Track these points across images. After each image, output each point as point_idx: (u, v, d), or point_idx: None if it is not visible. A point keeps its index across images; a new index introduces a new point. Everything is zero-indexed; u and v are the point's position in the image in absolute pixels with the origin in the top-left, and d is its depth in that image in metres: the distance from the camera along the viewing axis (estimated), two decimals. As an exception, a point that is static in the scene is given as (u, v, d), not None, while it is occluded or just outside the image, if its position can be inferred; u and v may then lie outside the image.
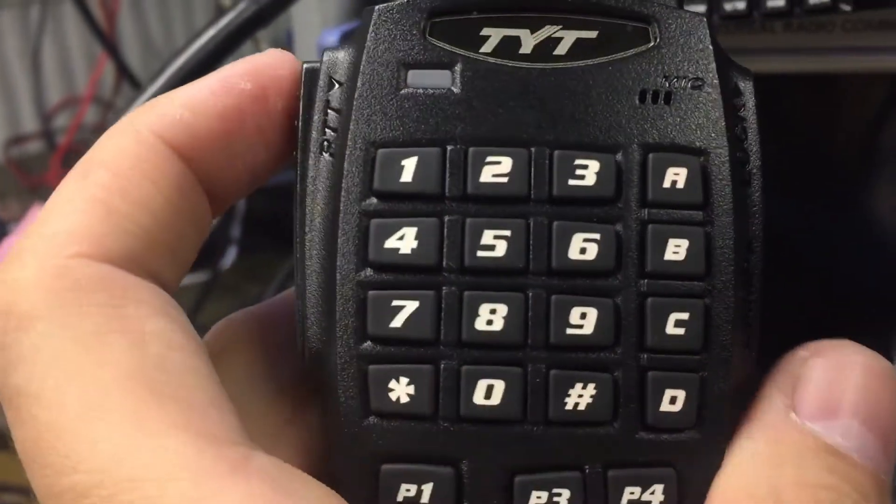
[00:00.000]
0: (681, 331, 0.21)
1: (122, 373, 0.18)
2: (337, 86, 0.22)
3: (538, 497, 0.21)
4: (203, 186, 0.22)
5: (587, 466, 0.21)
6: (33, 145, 1.17)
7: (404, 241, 0.21)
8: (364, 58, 0.21)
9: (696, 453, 0.21)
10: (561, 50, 0.22)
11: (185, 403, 0.18)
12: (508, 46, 0.22)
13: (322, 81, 0.22)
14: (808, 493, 0.19)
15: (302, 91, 0.22)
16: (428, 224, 0.21)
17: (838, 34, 0.41)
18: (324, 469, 0.22)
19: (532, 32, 0.22)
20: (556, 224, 0.21)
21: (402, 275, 0.21)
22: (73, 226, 0.20)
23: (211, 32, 0.45)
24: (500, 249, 0.21)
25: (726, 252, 0.21)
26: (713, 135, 0.21)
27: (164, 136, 0.21)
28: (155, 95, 0.45)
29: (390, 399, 0.21)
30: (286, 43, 0.91)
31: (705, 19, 0.22)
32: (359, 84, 0.21)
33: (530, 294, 0.21)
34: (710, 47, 0.22)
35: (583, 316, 0.21)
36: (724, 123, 0.21)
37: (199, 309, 0.85)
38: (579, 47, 0.22)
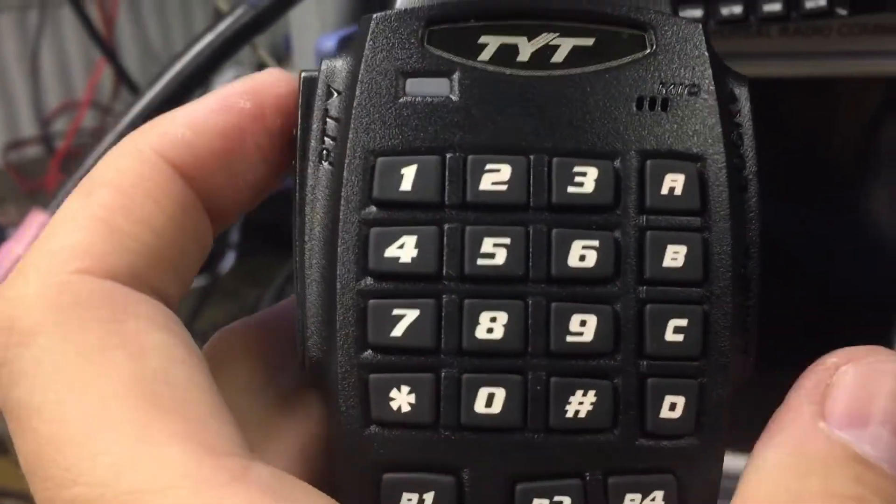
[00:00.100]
0: (680, 337, 0.21)
1: (122, 386, 0.18)
2: (335, 94, 0.22)
3: None
4: (204, 204, 0.22)
5: (588, 473, 0.21)
6: (31, 150, 1.17)
7: (404, 249, 0.21)
8: (362, 66, 0.21)
9: (695, 459, 0.21)
10: (558, 57, 0.22)
11: (184, 415, 0.18)
12: (506, 54, 0.22)
13: (320, 90, 0.22)
14: (833, 503, 0.19)
15: (300, 100, 0.22)
16: (428, 232, 0.21)
17: (835, 38, 0.41)
18: (324, 478, 0.22)
19: (529, 40, 0.22)
20: (556, 231, 0.21)
21: (403, 283, 0.21)
22: (76, 243, 0.20)
23: (209, 37, 0.46)
24: (500, 257, 0.21)
25: (724, 258, 0.21)
26: (710, 141, 0.21)
27: (166, 155, 0.21)
28: (153, 100, 0.46)
29: (391, 408, 0.21)
30: (284, 48, 0.91)
31: (701, 26, 0.22)
32: (357, 93, 0.21)
33: (530, 302, 0.21)
34: (706, 54, 0.22)
35: (582, 323, 0.21)
36: (720, 129, 0.21)
37: (197, 313, 0.85)
38: (576, 55, 0.22)
